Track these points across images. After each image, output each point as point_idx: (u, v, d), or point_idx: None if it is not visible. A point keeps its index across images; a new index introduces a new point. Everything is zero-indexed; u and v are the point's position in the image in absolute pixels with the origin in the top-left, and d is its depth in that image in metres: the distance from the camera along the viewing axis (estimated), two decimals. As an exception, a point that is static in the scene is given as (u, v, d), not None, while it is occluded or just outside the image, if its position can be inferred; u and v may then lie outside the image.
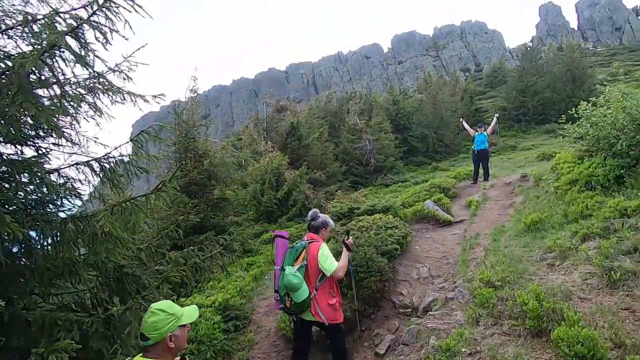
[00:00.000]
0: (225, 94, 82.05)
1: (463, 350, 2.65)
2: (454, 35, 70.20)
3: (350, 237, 3.31)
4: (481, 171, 9.90)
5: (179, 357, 1.82)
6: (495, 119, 11.19)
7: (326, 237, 3.29)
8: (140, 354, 1.69)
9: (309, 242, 3.09)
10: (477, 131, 9.97)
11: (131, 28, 2.58)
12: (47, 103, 2.47)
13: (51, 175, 2.77)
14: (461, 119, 12.01)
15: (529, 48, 29.17)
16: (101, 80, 2.77)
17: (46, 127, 2.60)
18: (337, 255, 3.24)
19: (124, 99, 3.41)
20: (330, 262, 2.94)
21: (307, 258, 2.99)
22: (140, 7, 2.55)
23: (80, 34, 2.45)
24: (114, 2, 2.38)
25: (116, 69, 3.37)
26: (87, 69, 2.64)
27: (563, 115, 6.00)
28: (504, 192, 8.33)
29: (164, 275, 2.76)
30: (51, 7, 2.65)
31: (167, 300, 1.82)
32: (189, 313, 1.78)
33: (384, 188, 15.12)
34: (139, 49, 3.22)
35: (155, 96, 3.73)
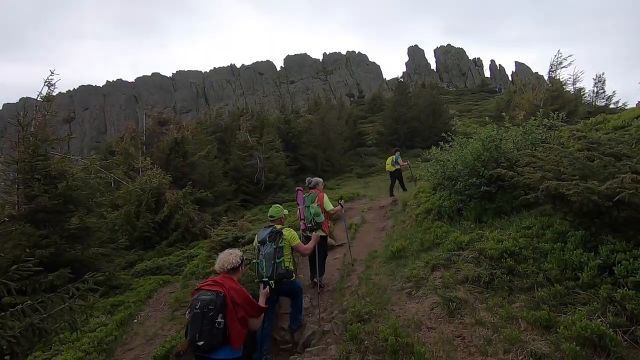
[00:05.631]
0: (97, 96, 71.37)
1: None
2: (341, 63, 76.54)
3: (342, 201, 6.04)
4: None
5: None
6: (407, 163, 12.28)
7: (321, 189, 5.53)
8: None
9: (318, 193, 5.28)
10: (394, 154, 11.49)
11: None
12: None
13: None
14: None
15: (400, 82, 33.98)
16: None
17: None
18: None
19: None
20: (331, 205, 5.38)
21: (319, 201, 5.16)
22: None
23: None
24: None
25: None
26: None
27: (424, 152, 7.06)
28: (379, 215, 9.30)
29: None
30: None
31: None
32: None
33: (274, 208, 15.16)
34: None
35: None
